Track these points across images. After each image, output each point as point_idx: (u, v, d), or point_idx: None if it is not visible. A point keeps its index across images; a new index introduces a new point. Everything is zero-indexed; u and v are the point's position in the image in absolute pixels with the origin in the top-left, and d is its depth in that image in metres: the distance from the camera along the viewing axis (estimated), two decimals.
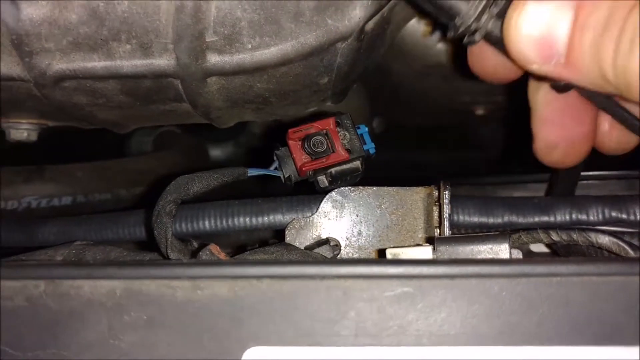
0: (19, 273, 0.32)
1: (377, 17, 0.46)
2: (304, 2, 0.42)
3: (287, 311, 0.31)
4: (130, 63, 0.44)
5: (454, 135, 1.14)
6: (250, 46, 0.43)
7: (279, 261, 0.40)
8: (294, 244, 0.48)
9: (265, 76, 0.46)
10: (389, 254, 0.39)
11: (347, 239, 0.49)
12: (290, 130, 0.47)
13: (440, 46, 0.75)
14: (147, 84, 0.46)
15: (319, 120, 0.48)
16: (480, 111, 1.01)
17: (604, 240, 0.39)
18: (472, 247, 0.38)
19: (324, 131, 0.48)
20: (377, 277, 0.31)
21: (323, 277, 0.32)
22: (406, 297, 0.31)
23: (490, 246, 0.38)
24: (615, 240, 0.39)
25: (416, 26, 0.73)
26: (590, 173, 0.61)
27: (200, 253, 0.37)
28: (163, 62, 0.43)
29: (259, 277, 0.32)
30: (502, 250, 0.38)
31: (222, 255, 0.39)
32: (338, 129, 0.48)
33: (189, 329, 0.32)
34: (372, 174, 0.50)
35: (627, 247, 0.39)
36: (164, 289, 0.32)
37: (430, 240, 0.42)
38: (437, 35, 0.73)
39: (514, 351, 0.31)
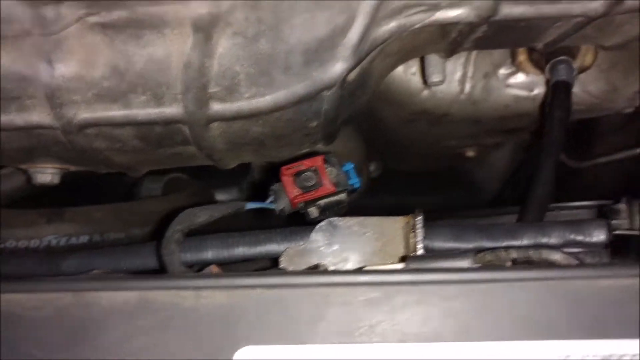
0: (50, 286, 0.38)
1: (357, 69, 0.53)
2: (293, 58, 0.49)
3: (275, 315, 0.37)
4: (145, 111, 0.50)
5: (449, 179, 1.20)
6: (247, 95, 0.50)
7: (269, 273, 0.46)
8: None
9: (261, 121, 0.53)
10: None
11: (335, 264, 0.55)
12: (283, 168, 0.54)
13: (425, 94, 0.82)
14: (159, 130, 0.53)
15: (309, 159, 0.54)
16: (470, 153, 1.07)
17: (556, 256, 0.45)
18: (438, 263, 0.44)
19: (313, 168, 0.54)
20: (350, 284, 0.37)
21: (305, 285, 0.37)
22: (375, 301, 0.37)
23: (454, 262, 0.44)
24: (565, 255, 0.44)
25: (402, 76, 0.80)
26: (558, 205, 0.67)
27: (203, 270, 0.43)
28: (173, 110, 0.50)
29: (252, 287, 0.38)
30: (464, 265, 0.43)
31: None
32: (326, 165, 0.54)
33: (192, 331, 0.37)
34: None
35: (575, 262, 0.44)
36: (173, 298, 0.38)
37: (404, 260, 0.48)
38: (420, 83, 0.80)
39: (467, 346, 0.36)
